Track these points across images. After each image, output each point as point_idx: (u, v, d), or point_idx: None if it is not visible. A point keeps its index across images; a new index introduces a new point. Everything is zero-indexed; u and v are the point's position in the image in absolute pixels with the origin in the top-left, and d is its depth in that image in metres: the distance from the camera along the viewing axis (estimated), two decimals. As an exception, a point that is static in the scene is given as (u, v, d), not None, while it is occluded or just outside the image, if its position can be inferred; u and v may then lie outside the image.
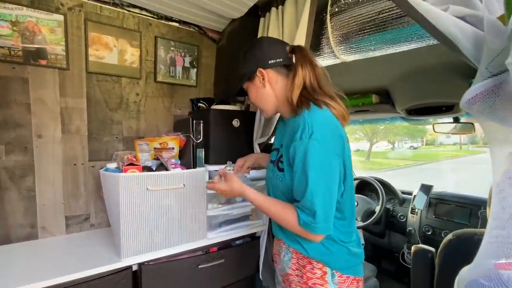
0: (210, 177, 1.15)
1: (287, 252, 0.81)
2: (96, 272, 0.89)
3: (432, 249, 0.76)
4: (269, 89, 0.78)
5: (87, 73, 1.19)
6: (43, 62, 1.10)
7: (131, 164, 0.95)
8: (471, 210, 1.45)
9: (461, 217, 1.47)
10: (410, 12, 0.65)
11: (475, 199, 1.50)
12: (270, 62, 0.76)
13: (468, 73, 1.09)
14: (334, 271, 0.73)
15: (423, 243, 1.55)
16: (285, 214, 0.70)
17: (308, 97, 0.72)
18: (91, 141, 1.22)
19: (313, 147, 0.65)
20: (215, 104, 1.27)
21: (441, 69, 1.12)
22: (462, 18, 0.59)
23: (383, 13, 0.83)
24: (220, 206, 1.16)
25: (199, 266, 1.09)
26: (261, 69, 0.76)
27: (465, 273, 0.55)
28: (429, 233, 1.53)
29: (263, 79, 0.77)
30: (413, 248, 0.84)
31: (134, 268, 1.01)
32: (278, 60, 0.76)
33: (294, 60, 0.77)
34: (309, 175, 0.65)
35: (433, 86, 1.21)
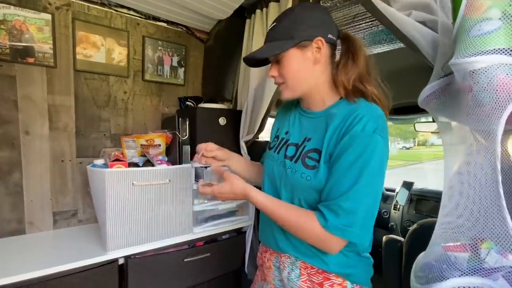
0: (197, 175, 1.18)
1: (293, 268, 0.67)
2: (82, 264, 0.92)
3: (401, 238, 0.81)
4: (317, 66, 0.64)
5: (75, 71, 1.21)
6: (31, 60, 1.11)
7: (117, 160, 0.98)
8: (437, 202, 1.52)
9: (425, 209, 1.54)
10: (378, 16, 0.70)
11: (439, 193, 1.57)
12: (329, 36, 0.63)
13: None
14: (355, 284, 0.64)
15: (404, 237, 1.61)
16: (304, 219, 0.59)
17: (359, 86, 0.63)
18: (79, 138, 1.24)
19: (377, 143, 0.56)
20: (203, 103, 1.30)
21: (417, 69, 1.18)
22: (423, 23, 0.64)
23: (357, 17, 0.88)
24: (206, 201, 1.19)
25: (185, 260, 1.12)
26: (322, 39, 0.62)
27: (421, 257, 0.59)
28: (410, 228, 1.60)
29: (317, 51, 0.63)
30: (384, 238, 0.89)
31: (121, 261, 1.03)
32: (334, 37, 0.65)
33: (344, 44, 0.67)
34: (363, 172, 0.55)
35: (411, 86, 1.27)
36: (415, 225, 0.74)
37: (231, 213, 1.30)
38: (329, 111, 0.66)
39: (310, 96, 0.68)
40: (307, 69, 0.64)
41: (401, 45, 0.94)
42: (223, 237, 1.28)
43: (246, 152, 1.28)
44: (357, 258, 0.65)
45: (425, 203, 1.64)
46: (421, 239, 0.70)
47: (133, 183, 0.98)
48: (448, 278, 0.47)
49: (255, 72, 1.22)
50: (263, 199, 0.64)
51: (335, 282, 0.63)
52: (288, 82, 0.66)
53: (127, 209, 0.98)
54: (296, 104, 0.77)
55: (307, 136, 0.67)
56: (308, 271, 0.65)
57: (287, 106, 0.81)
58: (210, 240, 1.23)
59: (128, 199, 0.98)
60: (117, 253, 0.98)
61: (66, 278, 0.90)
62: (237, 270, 1.33)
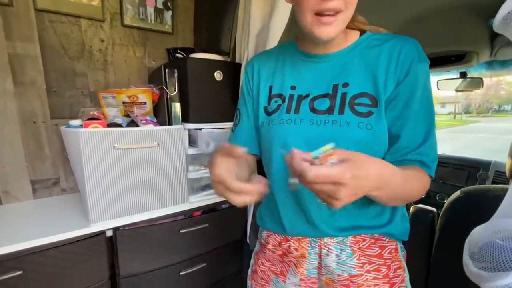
0: (190, 137, 1.03)
1: (343, 248, 0.57)
2: (64, 237, 0.80)
3: (433, 209, 0.69)
4: None
5: (36, 11, 0.98)
6: (-23, -6, 0.89)
7: (93, 118, 0.82)
8: (469, 173, 1.39)
9: (458, 179, 1.42)
10: None
11: (474, 161, 1.43)
12: None
13: (486, 12, 0.93)
14: (400, 244, 0.60)
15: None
16: (420, 174, 0.51)
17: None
18: (52, 95, 1.06)
19: (429, 75, 0.54)
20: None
21: (455, 10, 0.96)
22: None
23: None
24: (202, 168, 1.05)
25: (181, 231, 1.02)
26: None
27: (478, 234, 0.46)
28: (423, 196, 1.49)
29: None
30: (412, 208, 0.77)
31: (109, 234, 0.93)
32: None
33: None
34: (432, 108, 0.52)
35: (446, 31, 1.05)
36: (457, 193, 0.61)
37: (231, 181, 1.17)
38: (357, 48, 0.56)
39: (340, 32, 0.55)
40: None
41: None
42: (223, 206, 1.17)
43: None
44: (403, 210, 0.62)
45: (440, 169, 1.52)
46: (466, 210, 0.57)
47: (114, 146, 0.83)
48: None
49: (257, 14, 0.99)
50: (400, 175, 0.44)
51: (391, 247, 0.58)
52: (347, 13, 0.51)
53: (109, 176, 0.84)
54: (278, 52, 0.66)
55: (337, 82, 0.55)
56: (360, 246, 0.57)
57: (262, 59, 0.67)
58: (208, 210, 1.12)
59: (110, 165, 0.84)
60: (102, 225, 0.86)
61: (48, 252, 0.80)
62: (238, 240, 1.25)
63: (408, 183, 0.47)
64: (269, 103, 0.62)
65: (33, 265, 0.78)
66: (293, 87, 0.60)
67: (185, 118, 0.99)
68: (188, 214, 1.06)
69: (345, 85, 0.54)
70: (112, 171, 0.84)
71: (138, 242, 0.95)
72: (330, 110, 0.54)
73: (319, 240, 0.58)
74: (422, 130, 0.51)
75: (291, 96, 0.59)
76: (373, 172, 0.38)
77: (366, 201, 0.55)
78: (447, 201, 0.62)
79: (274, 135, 0.58)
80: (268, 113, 0.62)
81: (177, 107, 0.93)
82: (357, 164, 0.36)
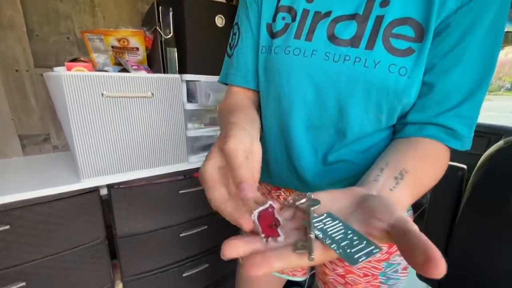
0: (188, 91, 0.92)
1: None
2: (52, 192, 0.74)
3: (463, 166, 0.60)
4: None
5: None
6: None
7: (76, 59, 0.71)
8: (489, 139, 1.29)
9: (477, 147, 1.32)
10: None
11: (495, 127, 1.32)
12: None
13: None
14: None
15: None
16: (434, 159, 0.39)
17: None
18: (34, 40, 0.94)
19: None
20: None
21: None
22: None
23: None
24: (202, 126, 0.96)
25: (180, 192, 0.96)
26: None
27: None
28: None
29: None
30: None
31: (103, 192, 0.87)
32: None
33: None
34: (497, 48, 0.37)
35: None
36: (499, 144, 0.51)
37: (233, 142, 1.09)
38: None
39: None
40: None
41: None
42: (225, 168, 1.10)
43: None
44: None
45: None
46: (510, 162, 0.48)
47: (102, 94, 0.74)
48: None
49: None
50: (411, 195, 0.33)
51: None
52: None
53: (99, 128, 0.76)
54: None
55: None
56: None
57: None
58: (210, 171, 1.05)
59: (99, 115, 0.75)
60: (94, 181, 0.80)
61: (37, 208, 0.74)
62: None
63: (422, 190, 0.36)
64: (274, 20, 0.46)
65: (21, 220, 0.72)
66: (310, 0, 0.44)
67: (183, 69, 0.88)
68: (188, 175, 0.99)
69: (384, 3, 0.39)
70: (102, 122, 0.76)
71: (134, 202, 0.89)
72: (355, 41, 0.40)
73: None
74: (472, 80, 0.37)
75: (305, 12, 0.44)
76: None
77: (366, 149, 0.46)
78: (484, 155, 0.53)
79: (273, 70, 0.45)
80: (272, 35, 0.46)
81: (173, 52, 0.82)
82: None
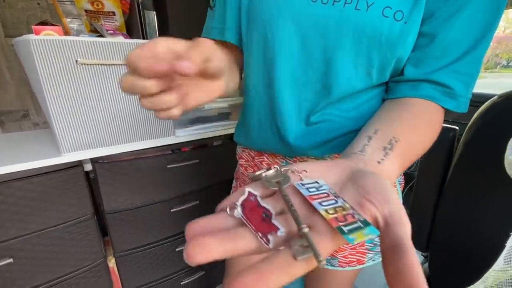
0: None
1: None
2: (31, 167, 0.71)
3: (455, 127, 0.58)
4: None
5: None
6: None
7: (44, 23, 0.65)
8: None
9: (470, 117, 1.31)
10: None
11: (490, 96, 1.31)
12: None
13: None
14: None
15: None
16: (426, 122, 0.36)
17: None
18: (1, 7, 0.87)
19: None
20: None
21: None
22: None
23: None
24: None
25: (169, 166, 0.94)
26: None
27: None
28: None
29: None
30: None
31: (88, 167, 0.84)
32: None
33: None
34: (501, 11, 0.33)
35: None
36: (493, 99, 0.49)
37: (222, 116, 1.05)
38: None
39: None
40: None
41: None
42: (215, 143, 1.07)
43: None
44: None
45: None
46: (504, 116, 0.45)
47: (76, 61, 0.69)
48: None
49: None
50: (401, 165, 0.30)
51: None
52: None
53: (76, 100, 0.72)
54: None
55: None
56: None
57: None
58: (199, 146, 1.03)
59: (75, 85, 0.70)
60: (76, 155, 0.76)
61: (16, 183, 0.71)
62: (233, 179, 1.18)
63: (414, 158, 0.33)
64: None
65: (1, 196, 0.70)
66: None
67: (164, 35, 0.82)
68: (175, 149, 0.96)
69: None
70: (79, 92, 0.71)
71: (121, 177, 0.87)
72: None
73: (295, 158, 0.49)
74: (477, 30, 0.34)
75: None
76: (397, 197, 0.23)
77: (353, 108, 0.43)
78: (478, 111, 0.51)
79: (256, 17, 0.41)
80: None
81: (152, 16, 0.76)
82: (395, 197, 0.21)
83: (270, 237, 0.18)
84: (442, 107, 0.37)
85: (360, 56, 0.38)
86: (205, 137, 0.99)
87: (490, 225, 0.49)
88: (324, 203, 0.20)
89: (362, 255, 0.50)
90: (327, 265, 0.52)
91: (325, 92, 0.41)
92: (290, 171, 0.24)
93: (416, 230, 0.67)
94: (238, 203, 0.20)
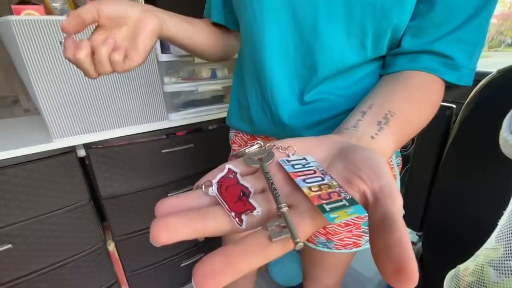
0: (162, 42, 0.84)
1: None
2: (22, 153, 0.70)
3: (452, 105, 0.56)
4: None
5: None
6: None
7: (24, 1, 0.62)
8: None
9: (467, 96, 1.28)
10: None
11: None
12: None
13: None
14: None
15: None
16: (427, 94, 0.33)
17: None
18: (-21, -14, 0.83)
19: None
20: None
21: None
22: None
23: None
24: (180, 80, 0.90)
25: (163, 151, 0.93)
26: None
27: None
28: None
29: None
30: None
31: (82, 153, 0.83)
32: None
33: None
34: None
35: None
36: (492, 74, 0.47)
37: (217, 99, 1.03)
38: None
39: None
40: None
41: None
42: (210, 127, 1.06)
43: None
44: None
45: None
46: (502, 92, 0.44)
47: (61, 42, 0.66)
48: None
49: None
50: (396, 141, 0.28)
51: None
52: None
53: (63, 82, 0.70)
54: None
55: None
56: None
57: None
58: (193, 130, 1.01)
59: (60, 67, 0.68)
60: (68, 141, 0.75)
61: (9, 170, 0.71)
62: (229, 163, 1.18)
63: (410, 133, 0.31)
64: None
65: (-6, 184, 0.69)
66: None
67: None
68: (169, 133, 0.95)
69: None
70: (66, 75, 0.69)
71: (116, 163, 0.86)
72: None
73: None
74: (471, 5, 0.31)
75: None
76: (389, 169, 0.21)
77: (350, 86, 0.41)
78: (475, 89, 0.49)
79: None
80: None
81: (138, -7, 0.72)
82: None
83: (244, 217, 0.17)
84: (443, 80, 0.34)
85: (353, 25, 0.36)
86: (199, 121, 0.97)
87: (484, 204, 0.49)
88: (308, 180, 0.19)
89: (358, 238, 0.50)
90: (323, 247, 0.52)
91: (318, 68, 0.39)
92: (275, 147, 0.23)
93: (410, 209, 0.67)
94: (215, 181, 0.19)
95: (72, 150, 0.79)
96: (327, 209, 0.16)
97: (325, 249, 0.52)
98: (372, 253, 0.15)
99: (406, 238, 0.14)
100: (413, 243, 0.85)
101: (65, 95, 0.70)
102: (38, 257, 0.80)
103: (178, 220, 0.16)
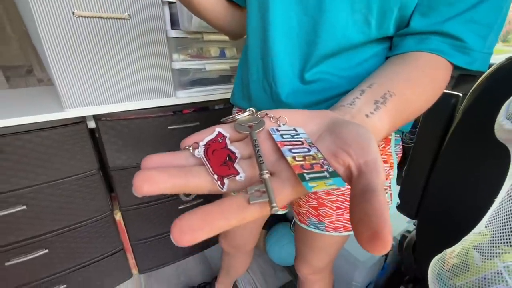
0: (172, 17, 0.84)
1: None
2: (35, 120, 0.73)
3: (458, 93, 0.55)
4: None
5: None
6: None
7: (37, -30, 0.63)
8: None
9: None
10: None
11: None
12: None
13: None
14: (397, 136, 0.47)
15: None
16: (431, 77, 0.33)
17: None
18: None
19: None
20: None
21: None
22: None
23: None
24: (189, 57, 0.90)
25: (169, 127, 0.95)
26: None
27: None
28: None
29: None
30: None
31: (92, 125, 0.86)
32: None
33: None
34: None
35: None
36: (501, 62, 0.45)
37: (224, 79, 1.03)
38: None
39: None
40: None
41: None
42: (216, 107, 1.07)
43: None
44: None
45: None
46: (509, 81, 0.43)
47: (73, 12, 0.67)
48: None
49: None
50: (391, 122, 0.28)
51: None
52: None
53: (75, 54, 0.71)
54: None
55: None
56: None
57: None
58: (200, 108, 1.03)
59: (71, 38, 0.69)
60: (78, 111, 0.78)
61: (24, 136, 0.75)
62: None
63: (409, 116, 0.31)
64: None
65: (11, 147, 0.73)
66: None
67: None
68: (176, 110, 0.97)
69: None
70: (78, 46, 0.71)
71: (124, 135, 0.89)
72: None
73: None
74: None
75: None
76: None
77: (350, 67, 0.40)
78: (482, 77, 0.48)
79: None
80: None
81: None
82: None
83: (226, 180, 0.18)
84: (451, 64, 0.33)
85: (356, 2, 0.35)
86: (206, 99, 0.98)
87: (480, 193, 0.49)
88: (294, 150, 0.19)
89: (349, 222, 0.51)
90: (315, 229, 0.53)
91: (318, 42, 0.38)
92: (267, 116, 0.24)
93: (407, 197, 0.68)
94: (202, 143, 0.20)
95: (82, 120, 0.82)
96: (307, 178, 0.17)
97: (317, 231, 0.53)
98: (351, 221, 0.16)
99: (385, 208, 0.15)
100: (409, 232, 0.87)
101: (77, 66, 0.72)
102: (50, 220, 0.86)
103: (160, 173, 0.16)
